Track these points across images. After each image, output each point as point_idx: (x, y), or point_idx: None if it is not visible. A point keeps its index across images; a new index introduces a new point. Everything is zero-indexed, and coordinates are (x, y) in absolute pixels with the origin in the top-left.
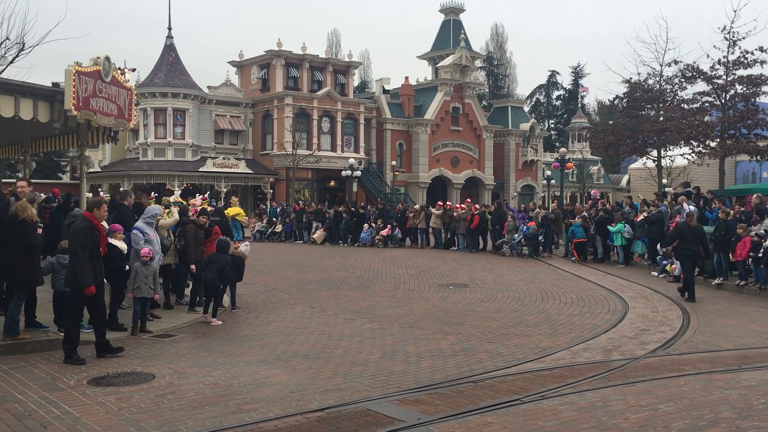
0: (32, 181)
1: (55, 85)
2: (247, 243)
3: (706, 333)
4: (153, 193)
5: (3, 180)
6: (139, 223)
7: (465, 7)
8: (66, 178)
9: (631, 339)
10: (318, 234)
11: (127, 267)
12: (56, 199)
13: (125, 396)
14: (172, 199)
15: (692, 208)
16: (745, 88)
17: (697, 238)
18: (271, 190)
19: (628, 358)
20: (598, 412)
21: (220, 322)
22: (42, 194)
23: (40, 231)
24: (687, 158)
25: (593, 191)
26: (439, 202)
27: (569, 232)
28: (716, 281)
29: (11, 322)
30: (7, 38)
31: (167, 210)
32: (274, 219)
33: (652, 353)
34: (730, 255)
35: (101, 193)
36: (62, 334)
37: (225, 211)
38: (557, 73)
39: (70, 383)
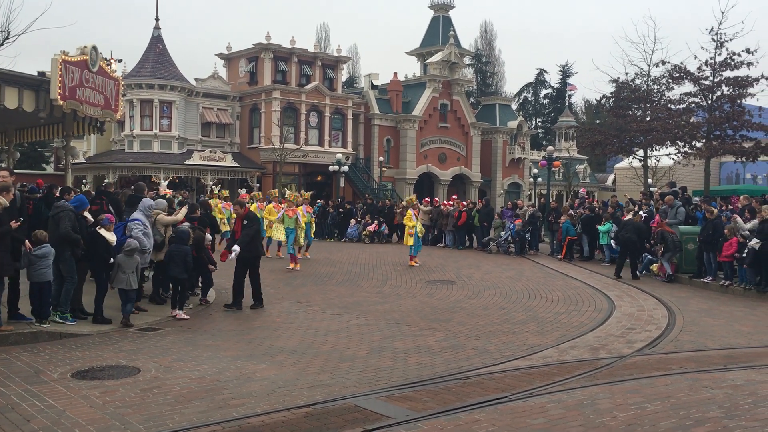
0: (15, 171)
1: (41, 74)
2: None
3: (692, 332)
4: (174, 192)
5: None
6: (139, 215)
7: (454, 4)
8: (50, 169)
9: (617, 337)
10: None
11: (112, 260)
12: (40, 190)
13: (110, 390)
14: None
15: (643, 214)
16: (731, 90)
17: (635, 230)
18: (258, 184)
19: (615, 356)
20: (585, 410)
21: (187, 317)
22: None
23: (16, 224)
24: (673, 158)
25: (581, 190)
26: (427, 199)
27: (563, 229)
28: (705, 280)
29: None
30: None
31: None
32: None
33: (639, 352)
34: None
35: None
36: (43, 326)
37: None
38: (545, 71)
39: (53, 376)
